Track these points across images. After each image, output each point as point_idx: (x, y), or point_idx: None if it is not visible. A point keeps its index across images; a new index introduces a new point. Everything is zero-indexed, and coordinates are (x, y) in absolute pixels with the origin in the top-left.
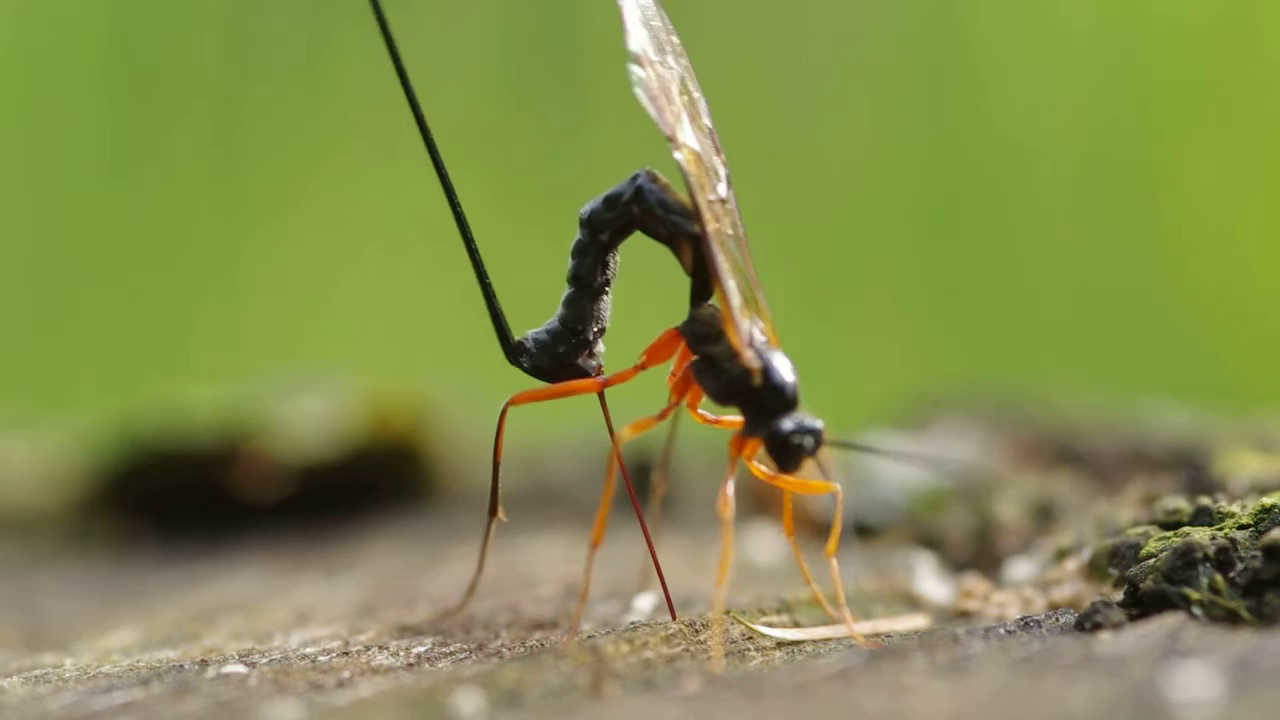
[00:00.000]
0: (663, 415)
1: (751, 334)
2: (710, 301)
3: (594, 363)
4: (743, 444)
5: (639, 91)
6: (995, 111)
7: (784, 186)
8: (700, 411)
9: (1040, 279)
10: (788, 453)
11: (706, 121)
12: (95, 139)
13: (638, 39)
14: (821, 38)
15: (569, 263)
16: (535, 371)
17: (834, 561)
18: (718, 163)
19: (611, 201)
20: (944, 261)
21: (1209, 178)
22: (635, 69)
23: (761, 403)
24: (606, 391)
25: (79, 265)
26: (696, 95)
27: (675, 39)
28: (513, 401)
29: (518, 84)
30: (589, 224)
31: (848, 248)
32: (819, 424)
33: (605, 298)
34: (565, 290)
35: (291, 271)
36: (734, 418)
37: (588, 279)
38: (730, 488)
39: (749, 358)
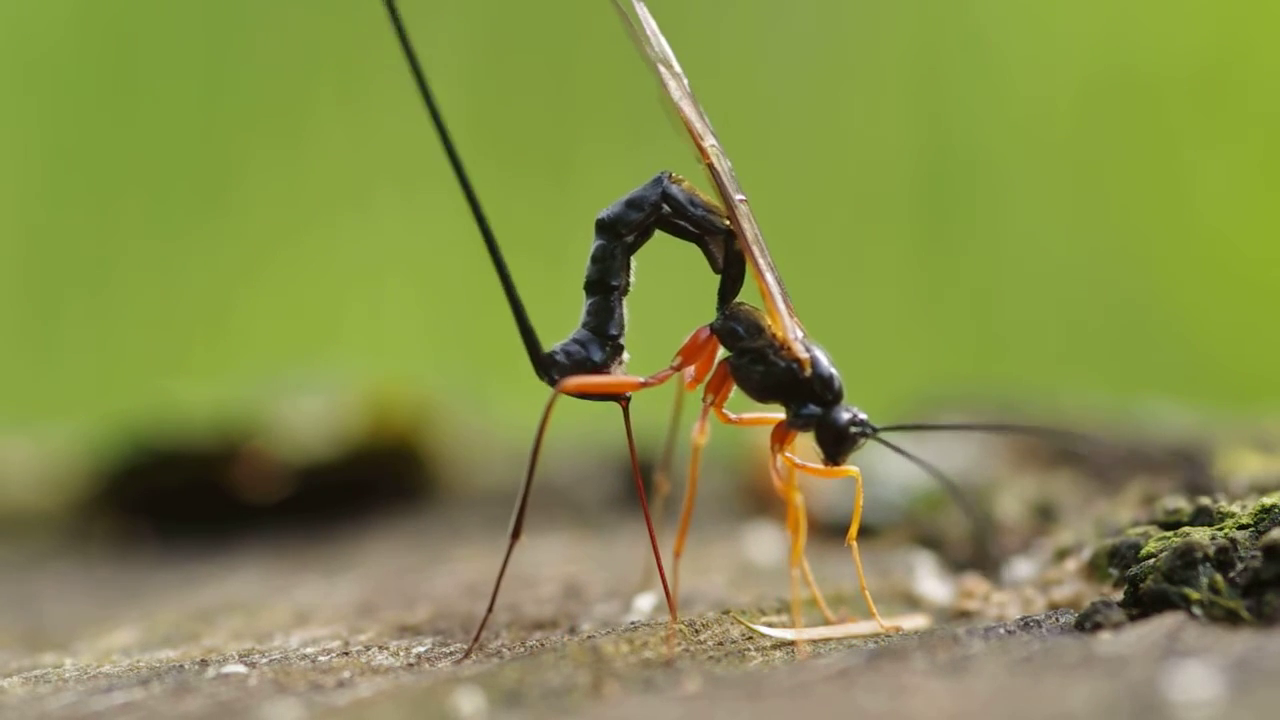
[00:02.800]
0: (706, 413)
1: (794, 327)
2: (739, 299)
3: (622, 368)
4: (785, 436)
5: (674, 93)
6: (992, 101)
7: (781, 187)
8: (725, 411)
9: (1040, 278)
10: (843, 444)
11: (708, 122)
12: (95, 137)
13: (659, 44)
14: (821, 32)
15: (589, 270)
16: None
17: (855, 545)
18: (729, 164)
19: (636, 203)
20: (943, 262)
21: (1208, 173)
22: (665, 72)
23: (810, 394)
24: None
25: (79, 265)
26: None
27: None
28: (565, 388)
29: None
30: (611, 227)
31: (844, 248)
32: (866, 415)
33: (625, 301)
34: (588, 299)
35: (293, 271)
36: (759, 415)
37: (614, 282)
38: (779, 472)
39: (798, 349)
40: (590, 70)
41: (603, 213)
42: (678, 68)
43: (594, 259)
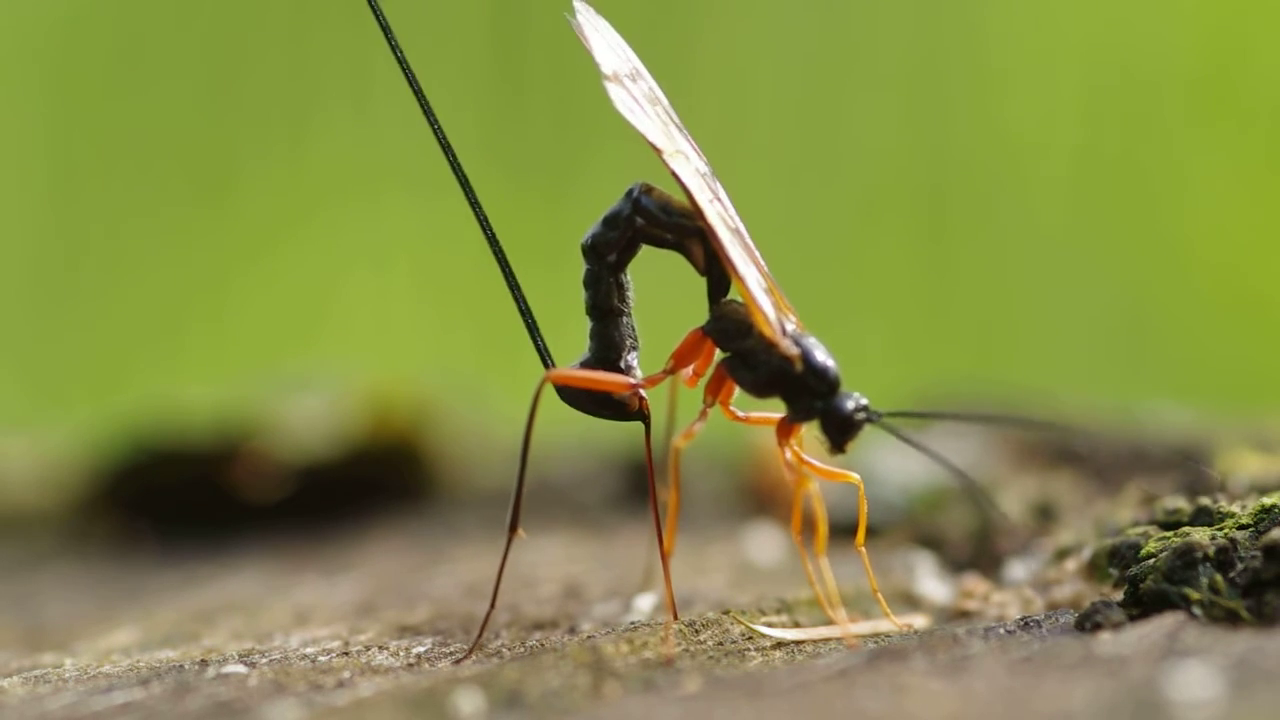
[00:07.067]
0: (702, 416)
1: (782, 322)
2: (730, 297)
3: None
4: (789, 430)
5: (621, 108)
6: (994, 105)
7: (782, 187)
8: (732, 409)
9: (1041, 277)
10: (848, 431)
11: (678, 123)
12: (94, 135)
13: (607, 61)
14: (826, 33)
15: (584, 296)
16: (573, 403)
17: (864, 551)
18: (702, 163)
19: (612, 220)
20: (944, 262)
21: (1212, 170)
22: (612, 87)
23: (805, 388)
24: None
25: (79, 264)
26: (665, 104)
27: (634, 56)
28: (550, 378)
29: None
30: (593, 250)
31: (846, 249)
32: (867, 400)
33: (628, 319)
34: (589, 323)
35: (293, 270)
36: (766, 414)
37: (606, 305)
38: (790, 466)
39: (786, 346)
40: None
41: (584, 236)
42: (642, 71)
43: (584, 284)
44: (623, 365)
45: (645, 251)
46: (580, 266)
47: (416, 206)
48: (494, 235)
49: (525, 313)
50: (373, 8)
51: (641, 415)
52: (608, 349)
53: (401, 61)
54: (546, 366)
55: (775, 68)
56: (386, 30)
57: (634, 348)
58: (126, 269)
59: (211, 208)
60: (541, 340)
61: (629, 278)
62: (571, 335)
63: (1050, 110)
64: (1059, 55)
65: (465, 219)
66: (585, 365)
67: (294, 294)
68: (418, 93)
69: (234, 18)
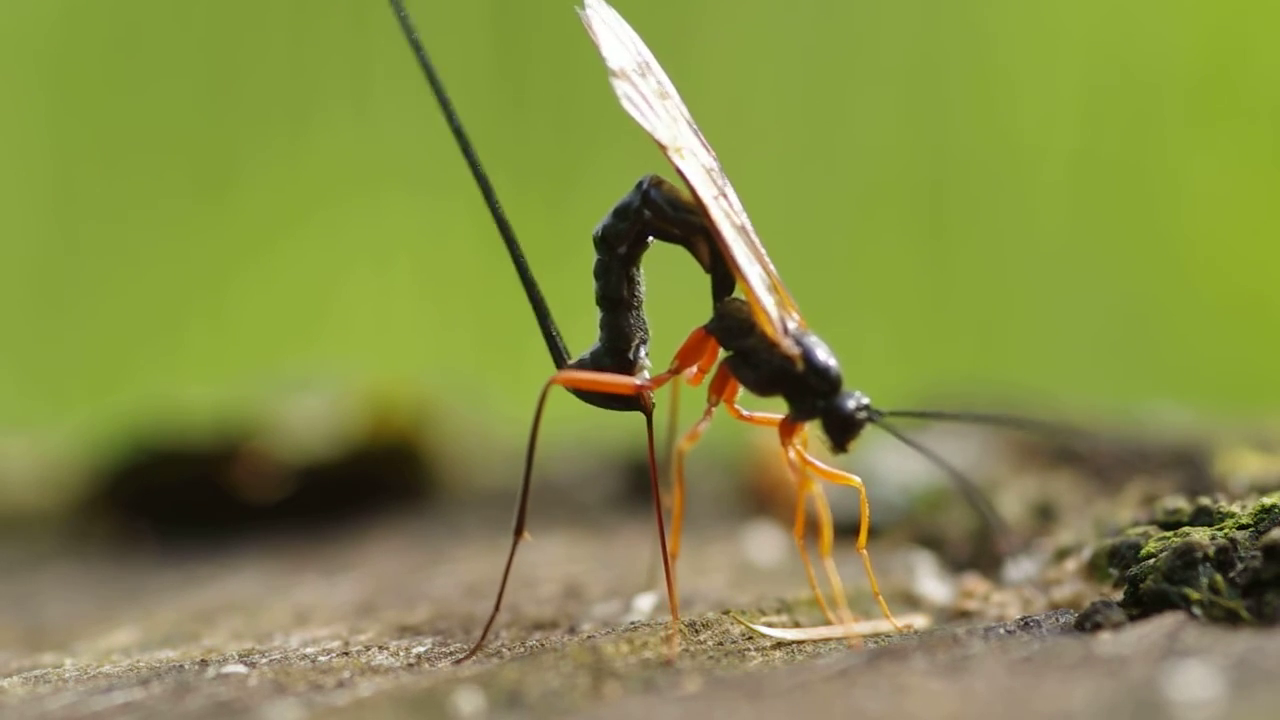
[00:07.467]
0: (707, 416)
1: (784, 321)
2: (734, 295)
3: (644, 376)
4: (792, 430)
5: (627, 105)
6: (994, 104)
7: (783, 186)
8: (737, 407)
9: (1042, 276)
10: (849, 430)
11: (688, 118)
12: (94, 132)
13: (614, 56)
14: (829, 31)
15: (595, 286)
16: (578, 394)
17: (865, 554)
18: (710, 159)
19: (622, 212)
20: (944, 262)
21: (1212, 169)
22: (619, 84)
23: (807, 387)
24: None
25: (78, 262)
26: (676, 99)
27: (645, 49)
28: (555, 380)
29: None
30: (604, 241)
31: (847, 248)
32: (868, 399)
33: (639, 311)
34: (599, 314)
35: (293, 267)
36: (768, 414)
37: (616, 296)
38: (794, 466)
39: (787, 345)
40: (599, 73)
41: (596, 227)
42: (653, 65)
43: (595, 275)
44: (632, 356)
45: (651, 250)
46: (591, 257)
47: (417, 204)
48: (511, 234)
49: (539, 310)
50: (396, 9)
51: (644, 406)
52: (617, 339)
53: (423, 60)
54: (560, 364)
55: (776, 66)
56: (409, 31)
57: (644, 340)
58: (126, 266)
59: (211, 205)
60: (555, 329)
61: (641, 272)
62: (573, 333)
63: (1050, 110)
64: (1059, 55)
65: (466, 217)
66: (595, 355)
67: (294, 292)
68: (438, 90)
69: (234, 15)
